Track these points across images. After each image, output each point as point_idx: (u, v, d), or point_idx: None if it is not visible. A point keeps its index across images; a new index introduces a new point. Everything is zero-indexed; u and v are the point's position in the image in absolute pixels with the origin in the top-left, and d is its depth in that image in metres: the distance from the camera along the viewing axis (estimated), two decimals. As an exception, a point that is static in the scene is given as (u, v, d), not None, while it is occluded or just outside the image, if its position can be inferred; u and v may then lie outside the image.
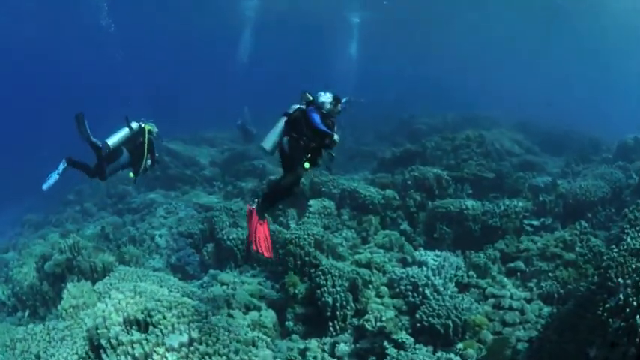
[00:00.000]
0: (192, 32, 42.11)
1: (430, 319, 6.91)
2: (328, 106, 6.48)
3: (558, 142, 20.94)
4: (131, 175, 8.29)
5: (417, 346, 6.84)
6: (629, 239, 6.87)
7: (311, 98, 6.56)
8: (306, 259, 8.82)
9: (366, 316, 7.42)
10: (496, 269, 8.93)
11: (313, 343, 7.42)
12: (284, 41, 41.31)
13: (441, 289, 7.75)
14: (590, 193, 11.57)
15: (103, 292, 7.36)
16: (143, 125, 8.22)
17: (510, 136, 19.15)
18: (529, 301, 7.91)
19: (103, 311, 6.02)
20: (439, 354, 6.57)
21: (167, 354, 5.25)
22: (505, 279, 8.61)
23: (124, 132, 7.95)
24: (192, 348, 5.38)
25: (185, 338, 5.44)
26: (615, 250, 6.67)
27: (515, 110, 27.67)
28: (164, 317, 5.72)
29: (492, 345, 6.79)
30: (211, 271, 10.24)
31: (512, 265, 9.08)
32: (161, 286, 7.53)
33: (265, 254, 6.11)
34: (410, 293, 7.74)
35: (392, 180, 13.47)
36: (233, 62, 38.87)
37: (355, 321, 7.65)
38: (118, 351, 5.36)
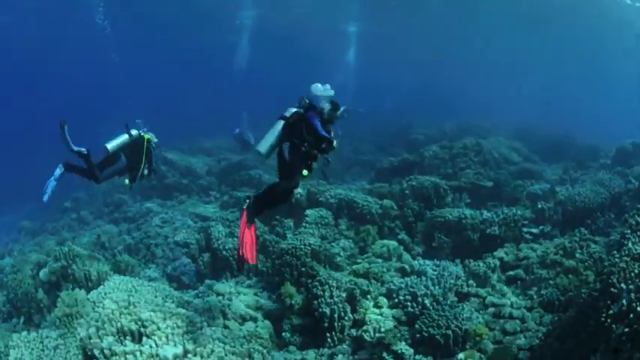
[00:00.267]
0: (190, 41, 42.11)
1: (430, 329, 6.79)
2: (327, 111, 6.37)
3: (556, 149, 20.91)
4: (126, 181, 8.30)
5: (417, 357, 6.73)
6: (630, 244, 6.78)
7: (307, 102, 6.44)
8: (303, 269, 8.70)
9: (365, 327, 7.30)
10: (496, 278, 8.82)
11: (310, 354, 7.30)
12: (281, 50, 41.37)
13: (441, 298, 7.63)
14: (589, 200, 11.51)
15: (96, 302, 7.21)
16: (143, 134, 8.25)
17: (508, 143, 19.12)
18: (530, 309, 7.79)
19: (96, 321, 5.91)
20: (439, 365, 6.47)
21: (161, 366, 5.14)
22: (505, 287, 8.48)
23: (124, 138, 7.99)
24: (186, 360, 5.27)
25: (179, 350, 5.32)
26: (617, 255, 6.58)
27: (512, 118, 27.67)
28: (158, 328, 5.61)
29: (493, 354, 6.68)
30: (207, 281, 10.11)
31: (512, 273, 8.96)
32: (156, 296, 7.39)
33: (249, 261, 5.99)
34: (409, 303, 7.60)
35: (390, 189, 13.38)
36: (231, 68, 38.84)
37: (353, 332, 7.53)
38: (111, 362, 5.25)
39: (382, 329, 7.08)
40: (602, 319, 5.43)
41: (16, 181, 25.52)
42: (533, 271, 8.73)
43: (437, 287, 7.87)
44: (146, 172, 8.34)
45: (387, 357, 6.66)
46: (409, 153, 17.56)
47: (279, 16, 32.21)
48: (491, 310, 7.72)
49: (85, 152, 7.60)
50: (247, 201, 6.27)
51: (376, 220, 11.67)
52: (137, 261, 11.54)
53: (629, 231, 8.57)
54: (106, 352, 5.35)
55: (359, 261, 10.07)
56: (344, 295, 7.81)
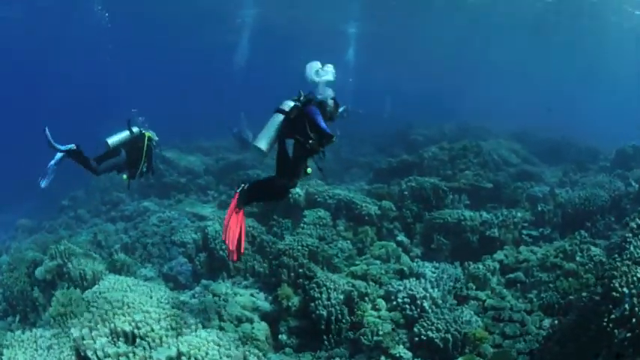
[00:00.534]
0: (190, 40, 42.03)
1: (429, 332, 6.69)
2: (329, 109, 6.24)
3: (556, 151, 20.88)
4: (125, 177, 8.29)
5: (415, 360, 6.64)
6: (632, 248, 6.71)
7: (305, 95, 6.25)
8: (300, 270, 8.62)
9: (362, 330, 7.19)
10: (495, 281, 8.74)
11: (307, 357, 7.22)
12: (281, 50, 41.28)
13: (440, 301, 7.54)
14: (589, 202, 11.45)
15: (91, 301, 7.12)
16: (144, 131, 8.27)
17: (507, 145, 19.04)
18: (529, 312, 7.70)
19: (90, 321, 5.81)
20: (438, 369, 6.38)
21: (154, 369, 5.05)
22: (504, 290, 8.39)
23: (125, 134, 8.02)
24: (180, 363, 5.18)
25: (174, 352, 5.21)
26: (618, 259, 6.51)
27: (512, 120, 27.63)
28: (152, 329, 5.51)
29: (493, 359, 6.59)
30: (203, 281, 10.00)
31: (511, 276, 8.87)
32: (151, 297, 7.28)
33: (229, 246, 5.79)
34: (407, 306, 7.49)
35: (388, 190, 13.28)
36: (231, 68, 38.74)
37: (351, 335, 7.43)
38: (104, 364, 5.15)
39: (380, 332, 6.98)
40: (604, 323, 5.36)
41: (15, 179, 25.43)
42: (533, 274, 8.65)
43: (436, 290, 7.78)
44: (145, 169, 8.35)
45: (385, 360, 6.57)
46: (408, 154, 17.49)
47: (279, 15, 32.15)
48: (490, 313, 7.63)
49: (75, 147, 7.52)
50: (242, 186, 6.09)
51: (375, 222, 11.57)
52: (133, 260, 11.46)
53: (630, 234, 8.49)
54: (99, 353, 5.25)
55: (357, 262, 9.97)
56: (342, 297, 7.71)
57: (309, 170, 6.06)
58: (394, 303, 7.76)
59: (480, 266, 8.93)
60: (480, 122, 25.96)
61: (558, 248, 9.01)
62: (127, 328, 5.52)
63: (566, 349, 6.12)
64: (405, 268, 9.22)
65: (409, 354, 6.64)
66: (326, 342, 7.33)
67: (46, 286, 8.98)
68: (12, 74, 43.15)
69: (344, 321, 7.47)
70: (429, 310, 7.32)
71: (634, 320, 5.05)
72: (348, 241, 11.01)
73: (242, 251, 5.89)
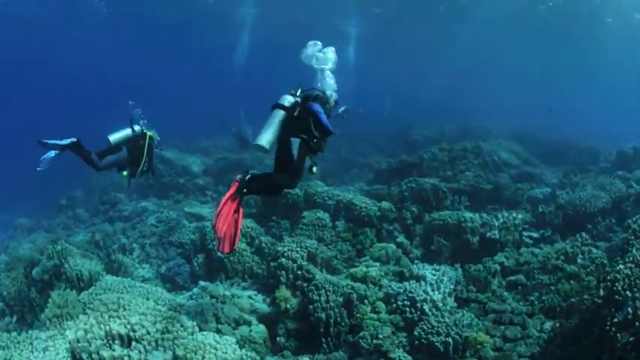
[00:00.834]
0: (190, 39, 42.00)
1: (429, 336, 6.59)
2: (331, 105, 6.12)
3: (556, 152, 20.80)
4: (125, 173, 8.20)
5: (415, 364, 6.56)
6: (634, 250, 6.66)
7: (304, 90, 6.05)
8: (299, 272, 8.52)
9: (362, 333, 7.10)
10: (496, 283, 8.65)
11: (306, 360, 7.13)
12: (281, 49, 41.20)
13: (440, 304, 7.45)
14: (590, 204, 11.36)
15: (87, 303, 7.05)
16: (145, 130, 8.25)
17: (507, 146, 18.95)
18: (530, 315, 7.63)
19: (85, 324, 5.73)
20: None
21: (150, 372, 4.96)
22: (505, 293, 8.31)
23: (126, 132, 7.99)
24: (176, 366, 5.09)
25: (169, 356, 5.14)
26: (621, 261, 6.45)
27: (512, 121, 27.53)
28: (148, 332, 5.43)
29: (494, 363, 6.52)
30: (201, 282, 9.91)
31: (512, 278, 8.79)
32: (147, 299, 7.21)
33: (217, 233, 5.42)
34: (407, 309, 7.41)
35: (388, 191, 13.22)
36: (230, 67, 38.68)
37: (350, 338, 7.35)
38: (99, 367, 5.07)
39: (380, 335, 6.88)
40: (607, 327, 5.30)
41: (14, 178, 25.38)
42: (534, 277, 8.57)
43: (436, 292, 7.70)
44: (145, 168, 8.30)
45: (384, 364, 6.48)
46: (408, 154, 17.41)
47: (279, 15, 32.09)
48: (491, 316, 7.55)
49: (76, 140, 7.44)
50: (243, 175, 5.71)
51: (374, 223, 11.50)
52: (131, 261, 11.38)
53: (632, 237, 8.47)
54: (94, 356, 5.18)
55: (356, 264, 9.90)
56: (340, 299, 7.62)
57: (314, 169, 5.90)
58: (394, 306, 7.67)
59: (481, 268, 8.85)
60: (480, 122, 25.88)
61: (559, 250, 8.94)
62: (123, 331, 5.44)
63: (567, 353, 6.05)
64: (405, 270, 9.14)
65: (409, 358, 6.55)
66: (325, 345, 7.25)
67: (43, 287, 8.91)
68: (11, 73, 43.04)
69: (343, 324, 7.39)
70: (430, 313, 7.23)
71: (637, 324, 4.99)
72: (348, 243, 10.95)
73: (235, 246, 5.55)
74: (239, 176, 5.62)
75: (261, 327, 7.67)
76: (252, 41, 36.00)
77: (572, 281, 8.05)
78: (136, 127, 8.12)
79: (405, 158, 16.33)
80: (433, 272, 8.55)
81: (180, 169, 18.73)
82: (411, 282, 8.15)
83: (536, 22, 31.55)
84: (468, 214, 10.92)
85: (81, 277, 8.39)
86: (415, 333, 6.82)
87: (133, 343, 5.31)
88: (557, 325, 6.80)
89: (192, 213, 14.17)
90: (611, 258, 8.65)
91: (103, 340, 5.40)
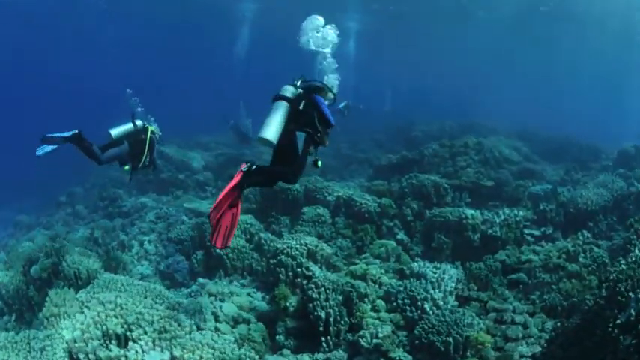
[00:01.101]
0: (190, 35, 41.87)
1: (430, 335, 6.52)
2: (328, 100, 6.01)
3: (557, 150, 20.72)
4: (127, 167, 8.18)
5: (416, 364, 6.49)
6: (637, 250, 6.58)
7: (307, 81, 5.93)
8: (299, 270, 8.46)
9: (361, 332, 7.03)
10: (497, 281, 8.58)
11: (305, 359, 7.06)
12: (281, 45, 41.11)
13: (441, 303, 7.39)
14: (591, 202, 11.29)
15: (85, 301, 6.98)
16: (147, 125, 8.28)
17: (509, 143, 18.85)
18: (532, 314, 7.56)
19: (82, 323, 5.66)
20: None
21: (146, 373, 4.90)
22: (506, 291, 8.25)
23: (128, 126, 8.00)
24: (173, 367, 5.02)
25: (166, 356, 5.08)
26: (623, 261, 6.37)
27: (513, 118, 27.44)
28: (145, 332, 5.36)
29: (495, 363, 6.46)
30: (200, 279, 9.87)
31: (514, 276, 8.72)
32: (145, 297, 7.15)
33: (211, 222, 5.29)
34: (408, 308, 7.35)
35: (389, 187, 13.14)
36: (230, 63, 38.59)
37: (350, 336, 7.28)
38: (95, 367, 5.00)
39: (380, 334, 6.82)
40: (609, 328, 5.22)
41: (13, 176, 25.33)
42: (536, 275, 8.50)
43: (437, 291, 7.63)
44: (147, 163, 8.30)
45: (384, 364, 6.42)
46: (409, 151, 17.33)
47: (279, 10, 31.97)
48: (492, 314, 7.49)
49: (78, 132, 7.37)
50: (248, 166, 5.53)
51: (374, 219, 11.43)
52: (130, 257, 11.33)
53: (634, 236, 8.39)
54: (91, 356, 5.12)
55: (356, 261, 9.84)
56: (340, 297, 7.55)
57: (319, 163, 5.80)
58: (394, 304, 7.61)
59: (482, 266, 8.78)
60: (481, 120, 25.76)
61: (561, 249, 8.87)
62: (120, 331, 5.38)
63: (569, 353, 5.98)
64: (405, 268, 9.05)
65: (409, 357, 6.48)
66: (324, 344, 7.17)
67: (41, 285, 8.84)
68: (9, 69, 42.97)
69: (342, 322, 7.31)
70: (430, 312, 7.18)
71: (640, 326, 4.92)
72: (348, 239, 10.89)
73: (229, 242, 5.41)
74: (244, 166, 5.47)
75: (260, 325, 7.60)
76: (252, 36, 35.90)
77: (573, 280, 7.99)
78: (138, 122, 8.12)
79: (406, 154, 16.25)
80: (434, 270, 8.44)
81: (179, 164, 18.65)
82: (412, 280, 8.08)
83: (536, 22, 31.41)
84: (469, 211, 10.85)
85: (79, 274, 8.32)
86: (416, 332, 6.75)
87: (130, 342, 5.25)
88: (559, 324, 6.74)
89: (192, 209, 14.09)
90: (613, 257, 8.59)
91: (100, 340, 5.34)
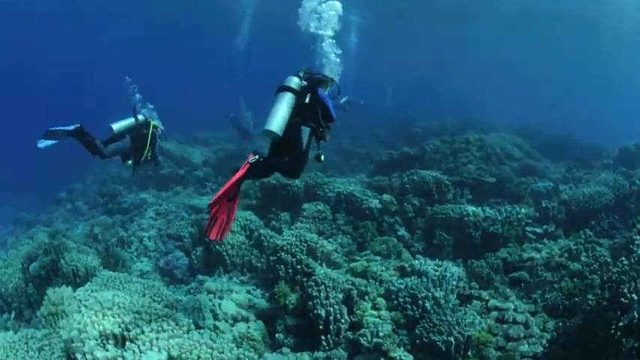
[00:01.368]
0: (189, 32, 41.77)
1: (431, 335, 6.46)
2: (331, 90, 5.90)
3: (558, 147, 20.62)
4: (130, 162, 8.17)
5: (416, 364, 6.43)
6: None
7: (312, 73, 5.80)
8: (299, 267, 8.38)
9: (362, 331, 6.98)
10: (499, 279, 8.51)
11: (305, 357, 7.00)
12: (281, 40, 40.98)
13: (442, 301, 7.31)
14: (593, 200, 11.20)
15: (83, 300, 6.91)
16: (149, 119, 8.24)
17: (510, 139, 18.73)
18: (533, 313, 7.50)
19: (79, 323, 5.59)
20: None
21: (143, 374, 4.83)
22: (508, 290, 8.18)
23: (130, 121, 7.96)
24: (171, 367, 4.96)
25: (164, 356, 5.01)
26: (626, 262, 6.30)
27: (514, 115, 27.31)
28: (142, 332, 5.30)
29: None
30: (199, 276, 9.81)
31: (515, 275, 8.65)
32: (144, 295, 7.09)
33: (210, 209, 5.24)
34: (409, 306, 7.28)
35: (390, 184, 13.06)
36: (230, 52, 38.38)
37: (350, 335, 7.21)
38: (92, 368, 4.94)
39: (380, 334, 6.76)
40: (612, 331, 5.16)
41: (13, 172, 25.29)
42: (538, 274, 8.43)
43: (438, 289, 7.57)
44: (149, 157, 8.29)
45: (384, 363, 6.35)
46: (410, 146, 17.24)
47: (279, 6, 31.88)
48: (494, 314, 7.42)
49: (80, 126, 7.32)
50: (256, 158, 5.32)
51: (375, 216, 11.36)
52: (129, 254, 11.27)
53: (637, 236, 8.31)
54: (88, 357, 5.05)
55: (357, 258, 9.78)
56: (340, 296, 7.48)
57: (322, 158, 5.70)
58: (395, 302, 7.55)
59: (484, 264, 8.71)
60: (482, 117, 25.65)
61: (563, 247, 8.79)
62: (117, 331, 5.31)
63: (571, 354, 5.93)
64: (407, 265, 8.97)
65: (410, 357, 6.41)
66: (324, 342, 7.12)
67: (40, 282, 8.79)
68: (8, 66, 42.87)
69: (343, 321, 7.25)
70: (431, 311, 7.10)
71: (643, 329, 4.86)
72: (348, 236, 10.83)
73: (224, 236, 5.34)
74: (252, 158, 5.30)
75: (260, 323, 7.55)
76: (252, 33, 35.72)
77: (575, 279, 7.92)
78: (140, 117, 8.09)
79: (407, 150, 16.15)
80: (435, 268, 8.37)
81: (179, 160, 18.56)
82: (413, 278, 8.03)
83: (536, 21, 31.35)
84: (470, 208, 10.77)
85: (77, 272, 8.27)
86: (416, 331, 6.69)
87: (127, 343, 5.18)
88: (561, 324, 6.68)
89: (192, 205, 14.03)
90: (615, 256, 8.53)
91: (97, 340, 5.27)
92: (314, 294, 7.34)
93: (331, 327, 7.15)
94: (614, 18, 30.55)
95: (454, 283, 7.94)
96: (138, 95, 8.82)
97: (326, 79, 5.94)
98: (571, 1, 27.95)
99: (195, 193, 16.24)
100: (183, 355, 5.08)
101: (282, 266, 8.46)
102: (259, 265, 9.91)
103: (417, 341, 6.58)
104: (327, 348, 7.09)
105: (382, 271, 8.72)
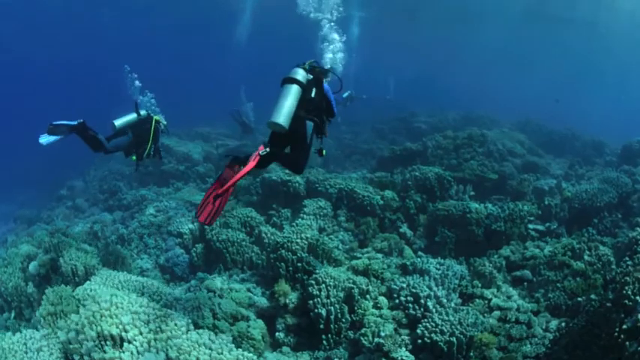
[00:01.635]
0: (190, 30, 41.69)
1: (433, 335, 6.37)
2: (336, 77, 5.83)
3: (560, 143, 20.55)
4: (134, 157, 8.24)
5: (418, 364, 6.35)
6: (644, 251, 6.45)
7: (318, 66, 5.68)
8: (299, 265, 8.30)
9: (363, 330, 6.89)
10: (501, 278, 8.43)
11: (305, 357, 6.95)
12: (280, 30, 40.84)
13: (445, 300, 7.23)
14: (596, 198, 11.11)
15: (81, 299, 6.86)
16: (152, 114, 8.30)
17: (512, 135, 18.66)
18: (536, 313, 7.42)
19: (77, 324, 5.51)
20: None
21: (142, 376, 4.76)
22: (511, 289, 8.08)
23: (132, 116, 8.02)
24: (169, 370, 4.89)
25: (162, 358, 4.94)
26: (630, 263, 6.23)
27: (516, 111, 27.16)
28: (140, 333, 5.22)
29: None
30: (200, 274, 9.76)
31: (518, 273, 8.56)
32: (142, 294, 7.03)
33: (214, 193, 5.26)
34: (410, 305, 7.20)
35: (391, 180, 12.98)
36: (231, 41, 38.32)
37: (351, 334, 7.15)
38: (90, 369, 4.88)
39: (382, 333, 6.68)
40: (615, 333, 5.09)
41: (14, 170, 25.26)
42: (540, 272, 8.34)
43: (440, 288, 7.49)
44: (152, 152, 8.34)
45: (386, 364, 6.27)
46: (411, 142, 17.15)
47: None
48: (496, 313, 7.33)
49: (82, 121, 7.27)
50: (266, 150, 5.21)
51: (377, 212, 11.28)
52: (129, 251, 11.22)
53: (641, 236, 8.22)
54: (86, 358, 4.99)
55: (358, 256, 9.70)
56: (341, 295, 7.40)
57: (325, 152, 5.68)
58: (396, 301, 7.46)
59: (486, 263, 8.62)
60: (484, 112, 25.52)
61: (566, 246, 8.68)
62: (115, 332, 5.22)
63: (574, 356, 5.85)
64: (409, 263, 8.88)
65: (411, 357, 6.33)
66: (325, 342, 7.05)
67: (40, 281, 8.75)
68: (8, 64, 42.80)
69: (343, 320, 7.18)
70: (433, 310, 7.02)
71: (647, 332, 4.78)
72: (350, 233, 10.77)
73: (213, 222, 5.33)
74: (262, 150, 5.21)
75: (260, 322, 7.47)
76: (252, 29, 35.65)
77: (578, 278, 7.84)
78: (142, 112, 8.12)
79: (409, 146, 16.05)
80: (437, 266, 8.28)
81: (180, 156, 18.47)
82: (415, 276, 7.94)
83: (542, 16, 31.23)
84: (473, 205, 10.68)
85: (76, 271, 8.20)
86: (418, 331, 6.59)
87: (125, 344, 5.10)
88: (563, 324, 6.61)
89: (192, 201, 13.96)
90: (618, 255, 8.45)
91: (94, 342, 5.19)
92: (314, 293, 7.27)
93: (332, 326, 7.09)
94: (619, 19, 30.53)
95: (456, 281, 7.86)
96: (137, 82, 8.80)
97: (325, 70, 5.83)
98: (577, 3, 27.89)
99: (196, 188, 16.15)
100: (181, 357, 5.01)
101: (282, 264, 8.38)
102: (260, 262, 9.86)
103: (419, 341, 6.49)
104: (327, 347, 7.04)
105: (384, 269, 8.62)
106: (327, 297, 7.21)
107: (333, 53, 6.23)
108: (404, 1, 31.20)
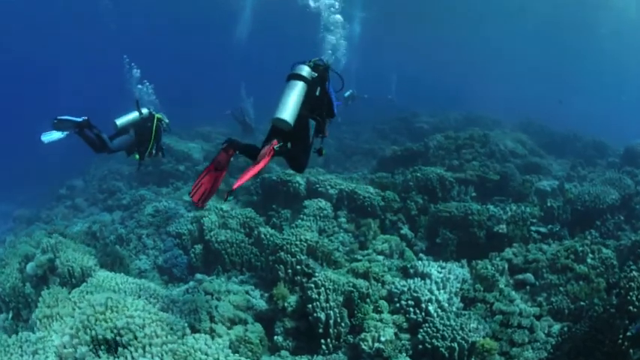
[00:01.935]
0: (189, 24, 41.61)
1: (434, 340, 6.26)
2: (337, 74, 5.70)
3: (562, 144, 20.46)
4: (136, 156, 8.17)
5: (419, 371, 6.25)
6: (648, 256, 6.35)
7: (323, 63, 5.55)
8: (298, 267, 8.20)
9: (363, 335, 6.78)
10: (504, 281, 8.31)
11: (304, 361, 6.84)
12: (281, 28, 40.76)
13: (446, 305, 7.11)
14: (599, 200, 11.00)
15: (78, 301, 6.75)
16: (154, 112, 8.19)
17: (514, 136, 18.54)
18: (538, 317, 7.30)
19: (71, 328, 5.42)
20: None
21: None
22: (513, 293, 7.96)
23: (133, 115, 7.91)
24: (164, 375, 4.79)
25: (157, 364, 4.84)
26: (634, 268, 6.12)
27: (517, 112, 27.05)
28: (135, 337, 5.11)
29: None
30: (198, 275, 9.67)
31: (520, 277, 8.43)
32: (139, 296, 6.92)
33: (201, 177, 5.31)
34: (411, 309, 7.07)
35: (392, 180, 12.86)
36: (231, 40, 38.23)
37: (350, 338, 7.04)
38: (83, 375, 4.77)
39: (382, 338, 6.57)
40: (619, 340, 5.00)
41: (13, 169, 25.18)
42: (543, 276, 8.22)
43: (442, 292, 7.37)
44: (154, 150, 8.26)
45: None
46: (413, 142, 17.04)
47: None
48: (498, 317, 7.21)
49: (86, 118, 7.19)
50: (280, 145, 5.06)
51: (378, 213, 11.18)
52: (127, 252, 11.12)
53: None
54: (80, 363, 4.88)
55: (359, 258, 9.57)
56: (341, 298, 7.29)
57: (324, 152, 5.62)
58: (397, 305, 7.34)
59: (488, 266, 8.49)
60: (486, 112, 25.39)
61: (569, 249, 8.56)
62: (109, 336, 5.12)
63: (577, 362, 5.76)
64: (410, 266, 8.73)
65: (412, 363, 6.23)
66: (324, 346, 6.94)
67: (38, 282, 8.62)
68: (9, 68, 42.76)
69: (343, 324, 7.07)
70: (435, 315, 6.90)
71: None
72: (350, 234, 10.67)
73: (204, 204, 5.39)
74: (276, 144, 5.05)
75: (258, 326, 7.36)
76: (252, 27, 35.57)
77: (581, 282, 7.73)
78: (144, 110, 8.04)
79: (410, 146, 15.95)
80: (439, 270, 8.14)
81: (180, 155, 18.36)
82: (416, 280, 7.80)
83: (542, 16, 31.19)
84: (475, 206, 10.56)
85: (73, 273, 8.09)
86: (419, 336, 6.49)
87: (120, 349, 5.00)
88: (566, 329, 6.50)
89: (192, 202, 13.83)
90: (620, 258, 8.35)
91: (89, 346, 5.09)
92: (314, 296, 7.16)
93: (331, 330, 6.98)
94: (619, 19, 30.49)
95: (458, 285, 7.74)
96: (135, 71, 8.70)
97: (328, 67, 5.70)
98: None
99: (195, 189, 16.01)
100: (176, 363, 4.91)
101: (281, 266, 8.28)
102: (259, 264, 9.75)
103: (420, 346, 6.38)
104: (326, 352, 6.93)
105: (384, 271, 8.51)
106: (327, 301, 7.10)
107: (336, 40, 6.11)
108: (405, 2, 31.08)
